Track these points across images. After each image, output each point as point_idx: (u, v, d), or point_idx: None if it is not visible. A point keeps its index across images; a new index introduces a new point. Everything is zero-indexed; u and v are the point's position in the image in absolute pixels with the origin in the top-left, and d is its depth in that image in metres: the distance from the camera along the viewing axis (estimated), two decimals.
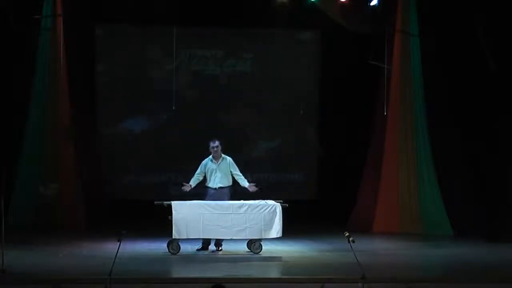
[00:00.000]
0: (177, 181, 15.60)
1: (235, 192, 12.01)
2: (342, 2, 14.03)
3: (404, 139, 14.41)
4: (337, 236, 11.79)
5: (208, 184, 11.84)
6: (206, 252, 11.62)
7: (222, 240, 11.64)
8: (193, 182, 11.84)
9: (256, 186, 11.84)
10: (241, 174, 11.86)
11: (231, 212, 11.26)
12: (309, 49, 16.35)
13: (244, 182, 11.81)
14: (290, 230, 11.71)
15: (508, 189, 13.29)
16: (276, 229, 11.28)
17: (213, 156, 11.83)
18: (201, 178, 11.88)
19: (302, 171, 16.41)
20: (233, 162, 11.89)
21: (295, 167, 16.35)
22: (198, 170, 11.89)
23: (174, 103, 15.16)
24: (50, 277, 9.30)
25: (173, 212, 11.09)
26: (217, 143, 11.84)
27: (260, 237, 11.38)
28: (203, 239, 11.57)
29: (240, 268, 10.43)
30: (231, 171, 11.83)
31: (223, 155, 11.88)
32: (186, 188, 11.80)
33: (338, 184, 15.29)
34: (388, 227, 14.16)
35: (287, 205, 11.49)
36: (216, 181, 11.79)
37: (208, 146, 11.87)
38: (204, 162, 11.90)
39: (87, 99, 15.05)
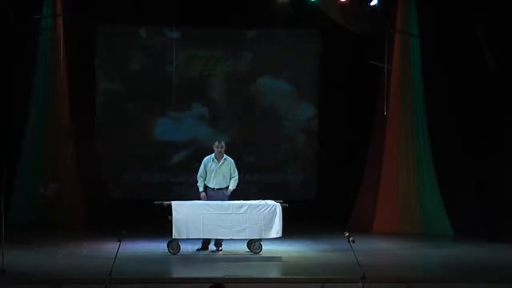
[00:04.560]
0: (177, 181, 15.71)
1: (234, 193, 12.02)
2: (342, 2, 14.01)
3: (404, 139, 14.40)
4: (337, 236, 11.78)
5: (208, 183, 11.85)
6: (206, 252, 11.61)
7: (222, 240, 11.63)
8: (202, 188, 11.89)
9: (229, 193, 11.84)
10: (236, 176, 11.87)
11: (231, 212, 11.24)
12: (309, 49, 16.32)
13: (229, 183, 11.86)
14: (290, 230, 11.71)
15: (508, 189, 13.27)
16: (276, 229, 11.27)
17: (215, 156, 11.86)
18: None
19: (302, 171, 16.40)
20: (234, 164, 11.91)
21: (295, 167, 16.33)
22: (201, 172, 11.87)
23: (174, 103, 15.16)
24: (50, 277, 9.30)
25: (173, 212, 11.08)
26: (222, 143, 11.90)
27: (260, 237, 11.36)
28: (203, 239, 11.57)
29: (240, 268, 10.42)
30: (230, 173, 11.86)
31: (225, 155, 11.90)
32: (203, 195, 11.84)
33: (338, 184, 15.27)
34: (388, 227, 14.15)
35: (287, 205, 11.48)
36: (216, 182, 11.80)
37: (213, 144, 11.94)
38: (204, 161, 11.92)
39: (87, 99, 15.06)
